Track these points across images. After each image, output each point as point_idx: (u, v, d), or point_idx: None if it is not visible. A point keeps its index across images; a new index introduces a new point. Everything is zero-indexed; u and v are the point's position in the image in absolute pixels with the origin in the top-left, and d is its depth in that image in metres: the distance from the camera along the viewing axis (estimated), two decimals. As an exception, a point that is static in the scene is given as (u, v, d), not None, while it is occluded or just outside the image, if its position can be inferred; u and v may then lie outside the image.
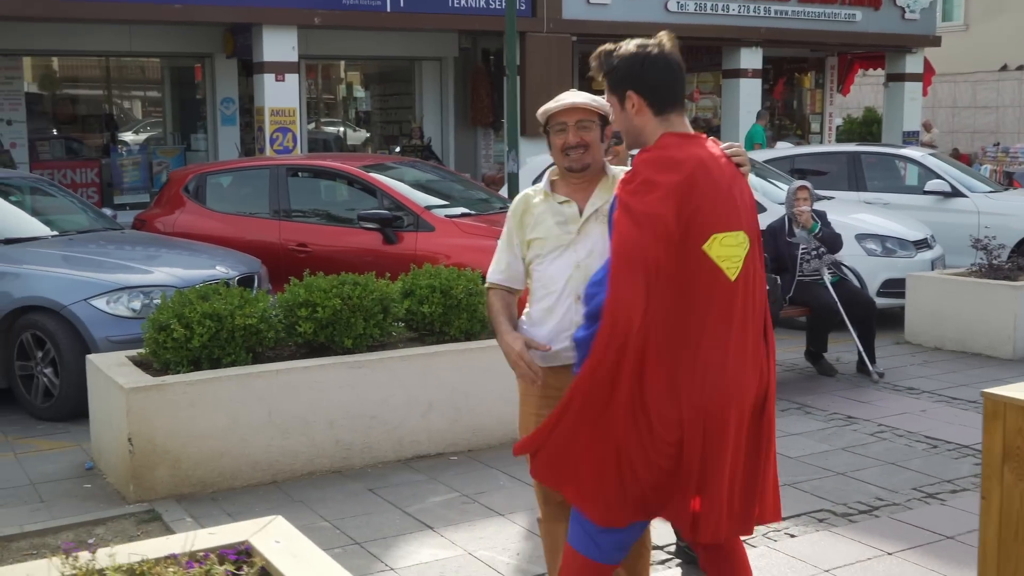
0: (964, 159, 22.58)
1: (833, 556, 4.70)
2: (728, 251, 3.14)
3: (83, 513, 5.34)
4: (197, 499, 5.51)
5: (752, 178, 11.08)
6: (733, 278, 3.14)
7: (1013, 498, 3.21)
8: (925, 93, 21.87)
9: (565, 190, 3.67)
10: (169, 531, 5.07)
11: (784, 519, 5.13)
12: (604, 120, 3.58)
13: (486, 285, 3.83)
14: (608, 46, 3.37)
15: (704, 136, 3.31)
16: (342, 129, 21.04)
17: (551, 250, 3.61)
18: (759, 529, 4.98)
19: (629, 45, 3.29)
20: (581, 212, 3.58)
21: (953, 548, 4.76)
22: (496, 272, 3.79)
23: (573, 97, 3.60)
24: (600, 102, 3.56)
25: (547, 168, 3.92)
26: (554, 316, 3.60)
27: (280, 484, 5.73)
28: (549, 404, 3.56)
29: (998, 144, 24.99)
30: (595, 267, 3.39)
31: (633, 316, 3.04)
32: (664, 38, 3.27)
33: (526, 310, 3.78)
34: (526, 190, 3.86)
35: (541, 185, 3.77)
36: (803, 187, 8.41)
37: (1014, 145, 24.86)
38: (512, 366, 3.57)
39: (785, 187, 11.17)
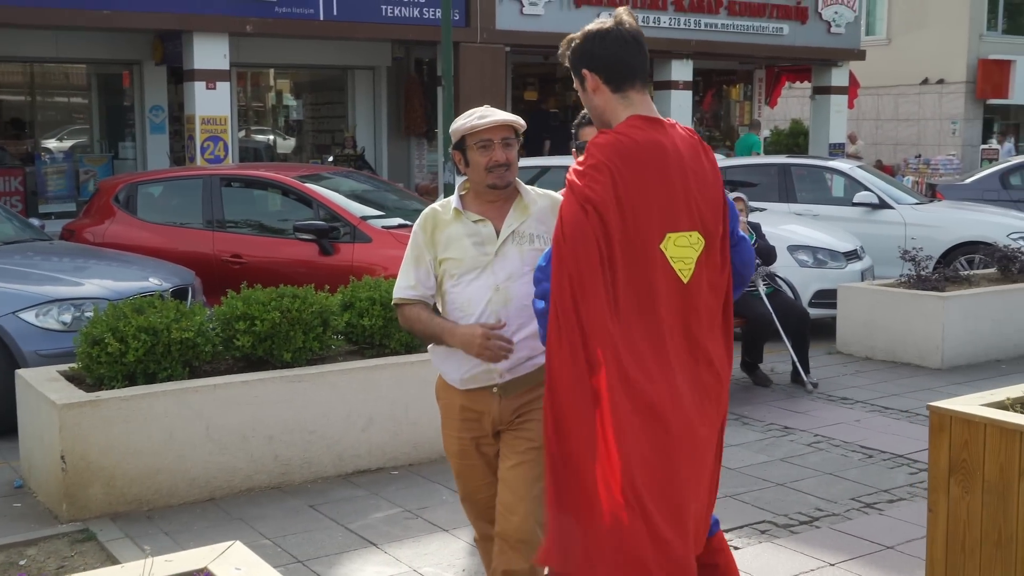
0: (887, 171, 23.05)
1: (778, 568, 4.73)
2: (680, 252, 3.03)
3: (13, 533, 5.16)
4: (133, 518, 5.37)
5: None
6: (686, 280, 3.02)
7: (960, 510, 3.25)
8: (851, 105, 22.28)
9: (478, 208, 3.58)
10: (104, 551, 4.93)
11: (727, 531, 5.15)
12: (518, 137, 3.60)
13: (395, 303, 3.69)
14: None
15: (672, 122, 3.17)
16: (272, 138, 20.80)
17: (467, 271, 3.53)
18: (703, 541, 5.03)
19: (586, 28, 3.21)
20: (498, 232, 3.52)
21: (894, 558, 4.81)
22: (406, 288, 3.64)
23: (498, 114, 3.55)
24: (518, 119, 3.58)
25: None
26: None
27: (218, 501, 5.62)
28: (469, 427, 3.63)
29: (919, 156, 25.58)
30: (514, 291, 3.46)
31: (577, 300, 2.92)
32: (623, 14, 3.17)
33: None
34: (432, 205, 3.73)
35: (451, 202, 3.62)
36: (738, 198, 8.48)
37: (935, 157, 25.48)
38: (481, 351, 3.38)
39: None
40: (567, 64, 3.27)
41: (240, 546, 2.88)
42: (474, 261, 3.50)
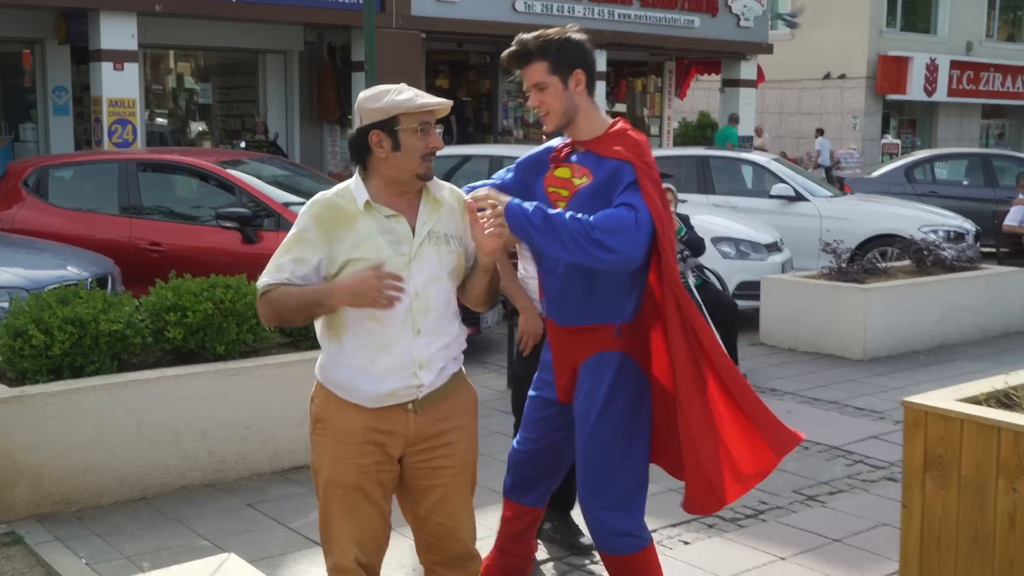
0: (792, 163, 23.47)
1: (730, 563, 4.71)
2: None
3: (-67, 537, 4.89)
4: (61, 518, 5.12)
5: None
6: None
7: (935, 506, 3.25)
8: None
9: (387, 200, 3.13)
10: (33, 555, 4.70)
11: (675, 525, 5.14)
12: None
13: (261, 291, 3.15)
14: (529, 35, 3.57)
15: None
16: (176, 121, 20.22)
17: None
18: (654, 536, 4.98)
19: (567, 31, 3.57)
20: (413, 230, 3.13)
21: (843, 551, 4.83)
22: (275, 274, 3.13)
23: (430, 95, 3.13)
24: (449, 103, 3.19)
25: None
26: (389, 353, 3.12)
27: (150, 500, 5.39)
28: (371, 452, 3.16)
29: (819, 150, 26.07)
30: (434, 297, 3.13)
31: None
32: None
33: (328, 343, 3.23)
34: (324, 194, 3.18)
35: (355, 191, 3.13)
36: (668, 189, 8.45)
37: (837, 151, 26.02)
38: (378, 295, 2.97)
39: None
40: (547, 57, 3.50)
41: (235, 559, 2.72)
42: (390, 263, 3.06)
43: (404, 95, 3.08)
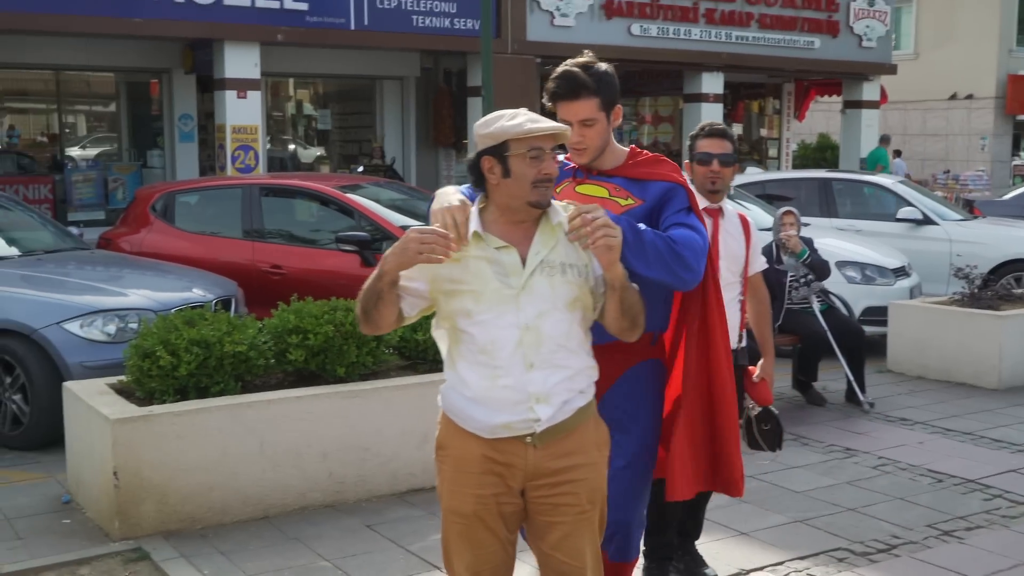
0: (919, 185, 22.83)
1: (862, 598, 4.55)
2: None
3: (65, 551, 5.04)
4: (186, 536, 5.21)
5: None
6: None
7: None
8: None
9: (500, 231, 3.05)
10: (160, 571, 4.79)
11: (803, 558, 4.98)
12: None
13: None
14: (576, 66, 3.45)
15: None
16: (295, 147, 20.67)
17: (488, 308, 3.01)
18: (779, 569, 4.86)
19: (600, 63, 3.50)
20: (523, 261, 3.01)
21: (983, 589, 4.62)
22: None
23: (548, 121, 3.03)
24: (568, 128, 3.12)
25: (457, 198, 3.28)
26: (501, 386, 3.03)
27: (272, 519, 5.45)
28: (491, 483, 3.09)
29: (948, 171, 25.36)
30: (547, 330, 3.03)
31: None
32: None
33: (448, 371, 3.18)
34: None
35: (469, 218, 3.07)
36: (789, 212, 8.30)
37: (963, 173, 25.25)
38: (421, 248, 2.89)
39: (757, 212, 11.13)
40: (599, 94, 3.44)
41: None
42: (498, 295, 2.98)
43: (515, 120, 3.00)
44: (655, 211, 3.44)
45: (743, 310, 4.68)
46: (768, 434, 4.84)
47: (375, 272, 3.02)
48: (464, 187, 3.34)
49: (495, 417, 3.05)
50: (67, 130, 18.89)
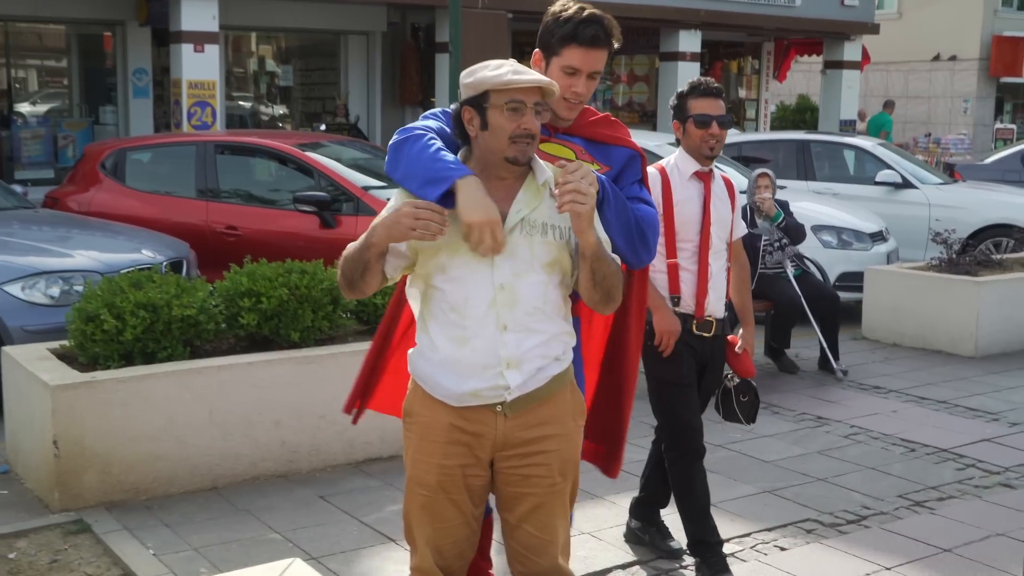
0: (899, 148, 22.87)
1: (829, 571, 4.53)
2: None
3: (1, 523, 4.94)
4: (130, 507, 5.13)
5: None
6: None
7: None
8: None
9: (485, 186, 2.95)
10: (101, 544, 4.71)
11: (771, 529, 4.97)
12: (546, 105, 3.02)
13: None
14: (600, 13, 3.26)
15: None
16: (256, 104, 20.43)
17: (462, 264, 2.94)
18: (746, 541, 4.85)
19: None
20: (504, 218, 2.93)
21: (954, 562, 4.62)
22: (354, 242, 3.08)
23: (533, 74, 2.92)
24: (554, 83, 2.97)
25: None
26: (471, 349, 2.96)
27: (221, 490, 5.38)
28: (458, 453, 3.03)
29: (929, 135, 25.43)
30: (522, 291, 2.95)
31: None
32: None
33: (419, 334, 3.11)
34: None
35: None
36: (764, 174, 8.24)
37: (946, 136, 25.33)
38: (414, 223, 2.81)
39: (733, 173, 11.08)
40: (612, 46, 3.31)
41: (300, 564, 2.64)
42: (471, 252, 2.93)
43: (498, 71, 2.90)
44: (618, 181, 3.33)
45: (728, 278, 4.60)
46: (745, 406, 4.79)
47: (360, 243, 2.95)
48: (425, 117, 3.22)
49: (463, 384, 2.98)
50: (17, 85, 18.57)
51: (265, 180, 9.52)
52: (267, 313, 5.70)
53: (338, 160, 9.13)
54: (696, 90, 4.37)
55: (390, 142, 3.10)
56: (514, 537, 3.18)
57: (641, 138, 11.81)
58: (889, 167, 11.96)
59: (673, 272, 4.39)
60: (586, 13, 3.23)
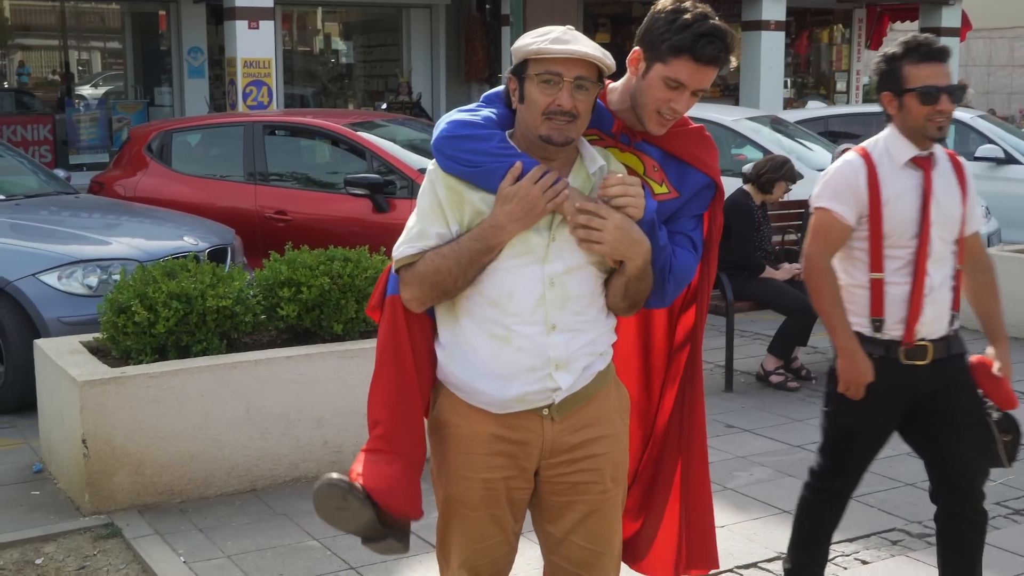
0: (1002, 121, 22.24)
1: (915, 587, 4.30)
2: None
3: (30, 527, 4.92)
4: (163, 510, 5.07)
5: (783, 140, 10.73)
6: None
7: None
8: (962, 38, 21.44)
9: None
10: (131, 550, 4.65)
11: (852, 540, 4.75)
12: (601, 81, 2.81)
13: (399, 264, 2.83)
14: (718, 23, 2.84)
15: None
16: (318, 84, 20.50)
17: (512, 254, 2.76)
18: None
19: None
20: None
21: (1056, 579, 4.36)
22: (416, 243, 2.81)
23: (581, 45, 2.72)
24: (609, 57, 2.76)
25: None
26: (514, 348, 2.78)
27: (259, 492, 5.30)
28: (502, 465, 2.87)
29: (1037, 106, 24.64)
30: (574, 289, 2.79)
31: None
32: None
33: (447, 333, 2.90)
34: None
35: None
36: (848, 149, 7.94)
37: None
38: (542, 206, 2.70)
39: (819, 150, 10.78)
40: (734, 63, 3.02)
41: None
42: (522, 242, 2.74)
43: (539, 38, 2.74)
44: (682, 210, 2.98)
45: (957, 286, 3.74)
46: (1009, 445, 3.85)
47: (475, 247, 2.74)
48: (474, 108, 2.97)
49: (508, 389, 2.80)
50: (80, 68, 18.86)
51: (316, 162, 9.47)
52: (308, 304, 5.60)
53: (392, 140, 9.03)
54: (915, 52, 3.55)
55: (441, 129, 2.88)
56: (559, 553, 3.00)
57: (721, 112, 11.63)
58: (991, 141, 11.56)
59: (877, 289, 3.60)
60: (709, 24, 2.79)
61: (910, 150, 3.57)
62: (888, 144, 3.62)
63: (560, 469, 2.91)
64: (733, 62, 2.88)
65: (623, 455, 3.00)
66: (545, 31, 2.77)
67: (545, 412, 2.84)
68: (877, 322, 3.60)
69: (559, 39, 2.72)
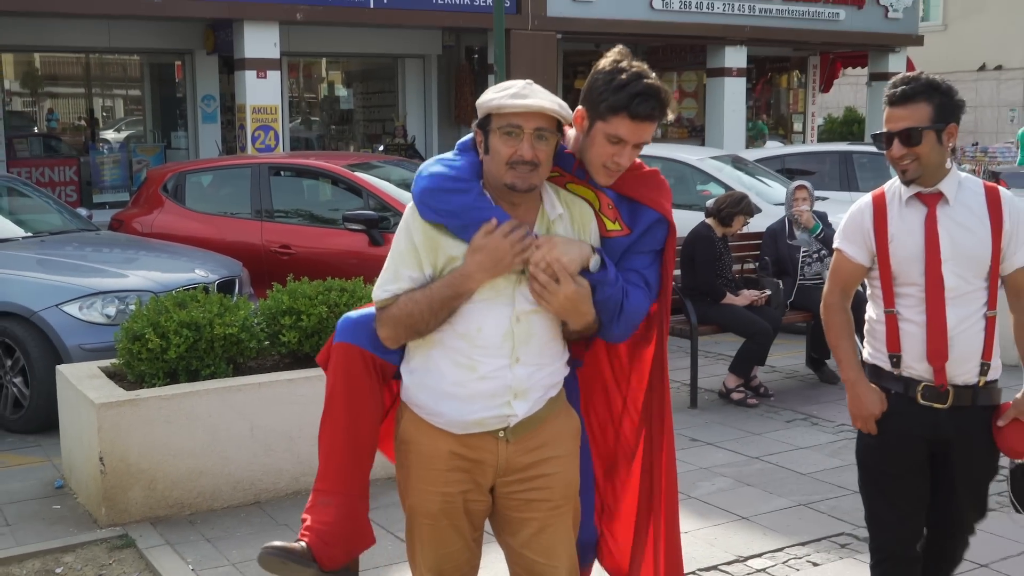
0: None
1: (862, 588, 4.29)
2: None
3: (51, 538, 4.89)
4: (174, 522, 5.04)
5: (743, 177, 10.76)
6: None
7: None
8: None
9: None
10: (143, 559, 4.63)
11: (804, 544, 4.74)
12: (560, 131, 2.78)
13: (380, 306, 2.81)
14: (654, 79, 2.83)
15: None
16: (322, 127, 20.53)
17: (483, 293, 2.75)
18: (778, 556, 4.62)
19: None
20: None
21: (989, 579, 4.36)
22: (392, 284, 2.80)
23: (538, 99, 2.69)
24: (565, 108, 2.75)
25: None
26: (478, 377, 2.78)
27: (263, 505, 5.28)
28: (459, 480, 2.85)
29: (976, 144, 24.75)
30: (537, 326, 2.79)
31: None
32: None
33: (415, 358, 2.87)
34: None
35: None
36: (801, 186, 8.00)
37: (992, 145, 24.64)
38: (510, 260, 2.71)
39: (776, 186, 10.81)
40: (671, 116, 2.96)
41: None
42: (492, 285, 2.74)
43: (501, 92, 2.72)
44: (633, 246, 2.94)
45: (989, 328, 3.28)
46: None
47: (446, 292, 2.73)
48: (447, 158, 2.94)
49: (468, 412, 2.80)
50: (104, 114, 18.87)
51: (317, 200, 9.46)
52: (307, 331, 5.60)
53: (387, 179, 9.03)
54: (886, 99, 3.32)
55: (422, 181, 2.84)
56: (518, 563, 3.00)
57: (687, 152, 11.66)
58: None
59: (892, 325, 3.31)
60: (643, 84, 2.75)
61: (914, 187, 3.27)
62: (900, 183, 3.34)
63: (514, 487, 2.90)
64: (670, 115, 2.87)
65: (573, 474, 2.98)
66: (506, 86, 2.75)
67: (501, 434, 2.83)
68: (894, 357, 3.32)
69: (518, 94, 2.70)
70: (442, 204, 2.75)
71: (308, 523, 2.91)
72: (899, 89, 3.24)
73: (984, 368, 3.26)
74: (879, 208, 3.33)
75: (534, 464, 2.88)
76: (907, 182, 3.25)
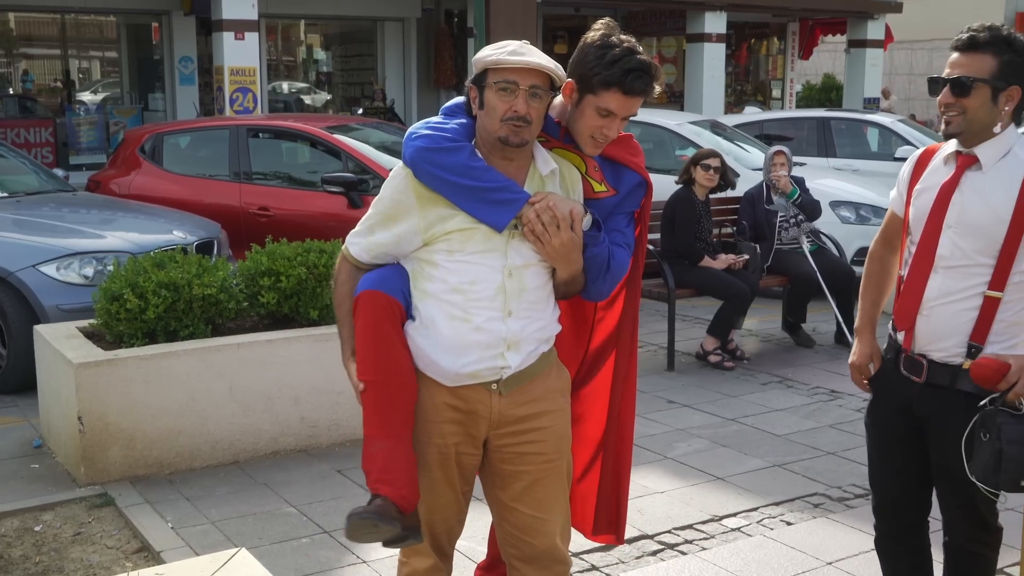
0: (921, 125, 22.39)
1: (834, 546, 4.34)
2: None
3: (30, 497, 4.87)
4: (153, 481, 5.05)
5: (722, 143, 10.77)
6: None
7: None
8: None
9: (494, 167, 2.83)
10: (123, 517, 4.63)
11: (778, 504, 4.79)
12: (554, 89, 2.82)
13: (346, 255, 2.94)
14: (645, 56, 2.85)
15: None
16: (302, 90, 20.37)
17: (477, 247, 2.79)
18: (753, 515, 4.67)
19: None
20: None
21: (959, 537, 4.41)
22: (365, 251, 2.90)
23: (535, 56, 2.76)
24: (560, 69, 2.79)
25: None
26: (472, 328, 2.80)
27: (242, 464, 5.28)
28: (454, 431, 2.89)
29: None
30: (529, 281, 2.83)
31: None
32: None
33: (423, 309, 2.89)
34: None
35: None
36: (780, 152, 8.02)
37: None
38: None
39: (755, 152, 10.83)
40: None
41: (245, 554, 2.50)
42: (485, 237, 2.78)
43: (499, 50, 2.76)
44: (619, 207, 3.00)
45: (986, 310, 2.95)
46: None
47: (343, 345, 3.07)
48: (434, 122, 2.92)
49: (463, 364, 2.82)
50: (80, 75, 18.65)
51: (296, 162, 9.40)
52: (286, 292, 5.58)
53: (366, 142, 8.98)
54: (952, 43, 3.03)
55: (415, 142, 2.82)
56: (507, 519, 3.01)
57: (666, 117, 11.65)
58: (910, 143, 11.63)
59: (899, 285, 3.14)
60: (636, 60, 2.78)
61: (955, 144, 3.02)
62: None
63: (507, 440, 2.93)
64: (657, 90, 2.90)
65: (565, 429, 3.01)
66: (503, 45, 2.78)
67: (493, 387, 2.86)
68: (892, 319, 3.14)
69: (516, 51, 2.75)
70: (437, 162, 2.77)
71: (374, 475, 2.84)
72: (967, 35, 2.95)
73: (973, 351, 2.94)
74: (922, 160, 3.13)
75: (527, 417, 2.91)
76: (948, 135, 2.99)
